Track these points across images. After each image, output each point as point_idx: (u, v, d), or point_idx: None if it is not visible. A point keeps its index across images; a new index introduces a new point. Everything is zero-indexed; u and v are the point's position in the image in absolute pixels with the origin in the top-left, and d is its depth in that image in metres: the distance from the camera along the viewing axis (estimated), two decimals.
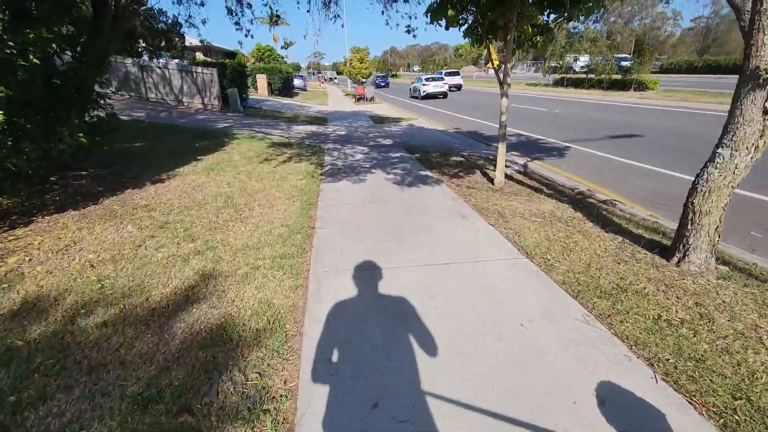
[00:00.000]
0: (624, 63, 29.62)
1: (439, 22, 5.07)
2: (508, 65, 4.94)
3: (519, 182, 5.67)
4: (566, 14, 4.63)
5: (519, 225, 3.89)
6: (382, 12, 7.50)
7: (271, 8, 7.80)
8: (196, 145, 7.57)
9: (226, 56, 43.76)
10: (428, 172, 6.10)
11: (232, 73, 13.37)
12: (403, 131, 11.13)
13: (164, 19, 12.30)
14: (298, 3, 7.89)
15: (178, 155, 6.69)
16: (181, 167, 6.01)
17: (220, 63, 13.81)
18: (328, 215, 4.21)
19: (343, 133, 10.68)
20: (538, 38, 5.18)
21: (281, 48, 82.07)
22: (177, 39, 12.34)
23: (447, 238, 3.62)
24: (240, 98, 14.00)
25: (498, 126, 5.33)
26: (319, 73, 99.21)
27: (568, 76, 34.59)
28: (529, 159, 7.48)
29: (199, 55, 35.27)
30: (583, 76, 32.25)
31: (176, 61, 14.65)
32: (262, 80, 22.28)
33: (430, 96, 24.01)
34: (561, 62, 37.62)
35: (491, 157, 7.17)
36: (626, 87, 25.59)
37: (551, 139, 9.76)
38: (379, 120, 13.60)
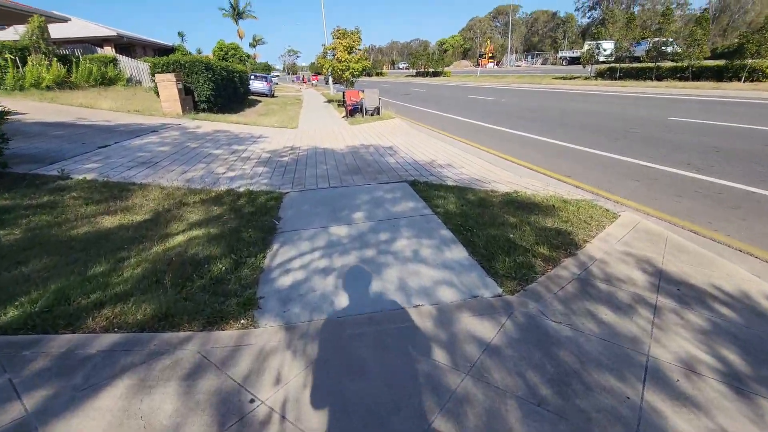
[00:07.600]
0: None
1: None
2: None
3: None
4: None
5: None
6: None
7: None
8: None
9: (161, 53, 32.69)
10: None
11: None
12: None
13: None
14: None
15: None
16: None
17: None
18: None
19: None
20: None
21: (249, 46, 69.69)
22: None
23: None
24: None
25: None
26: (294, 74, 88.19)
27: (623, 65, 25.95)
28: None
29: (109, 50, 24.18)
30: (650, 64, 24.19)
31: None
32: (167, 87, 11.15)
33: None
34: (595, 49, 28.73)
35: None
36: (724, 77, 19.42)
37: None
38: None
